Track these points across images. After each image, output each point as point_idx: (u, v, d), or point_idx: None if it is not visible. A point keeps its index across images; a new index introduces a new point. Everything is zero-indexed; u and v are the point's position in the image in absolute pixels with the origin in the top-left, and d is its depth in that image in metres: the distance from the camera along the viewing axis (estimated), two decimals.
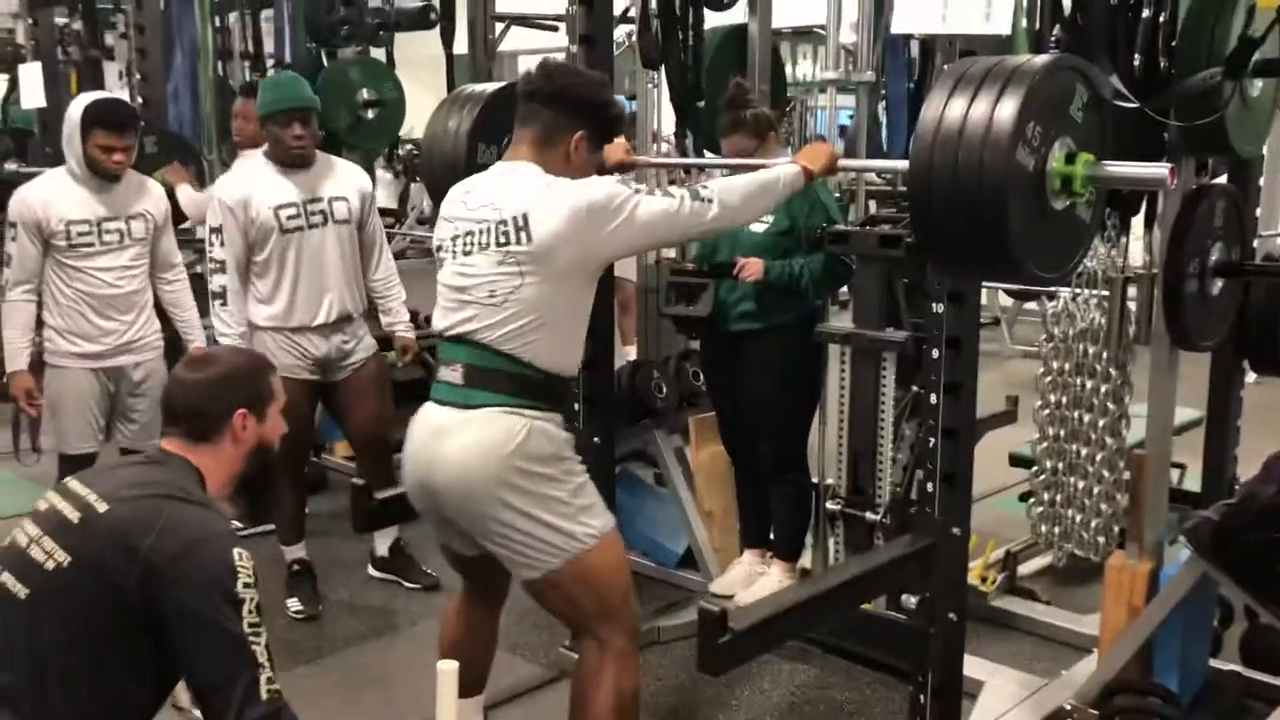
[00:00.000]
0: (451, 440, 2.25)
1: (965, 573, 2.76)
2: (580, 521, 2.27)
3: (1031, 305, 7.72)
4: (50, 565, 1.74)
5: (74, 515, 1.78)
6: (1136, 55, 2.64)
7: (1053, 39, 2.87)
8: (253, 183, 3.57)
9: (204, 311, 3.89)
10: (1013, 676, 3.22)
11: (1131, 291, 3.07)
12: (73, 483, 1.87)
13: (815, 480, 3.55)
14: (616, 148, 2.82)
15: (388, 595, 3.93)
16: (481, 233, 2.29)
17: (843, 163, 2.58)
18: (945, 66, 2.46)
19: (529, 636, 3.55)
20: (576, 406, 3.36)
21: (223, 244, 3.54)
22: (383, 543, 3.99)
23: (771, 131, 3.40)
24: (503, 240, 2.25)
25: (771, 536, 3.65)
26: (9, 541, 1.84)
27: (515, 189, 2.29)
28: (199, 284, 4.07)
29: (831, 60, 3.68)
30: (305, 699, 2.44)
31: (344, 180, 3.69)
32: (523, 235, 2.23)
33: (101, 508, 1.78)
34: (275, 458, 2.07)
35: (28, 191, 3.55)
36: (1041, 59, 2.08)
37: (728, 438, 3.72)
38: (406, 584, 3.95)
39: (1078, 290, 3.10)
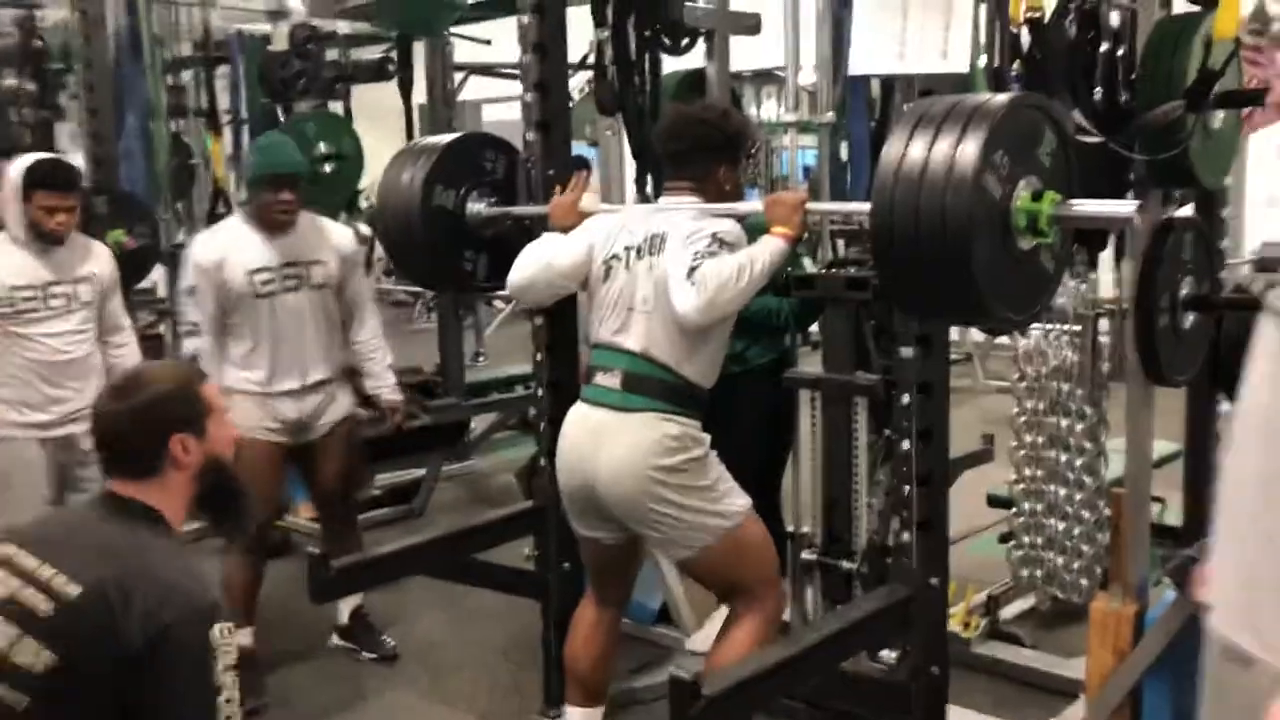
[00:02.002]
0: (614, 439, 2.58)
1: (945, 624, 2.68)
2: (728, 503, 2.61)
3: (1004, 340, 7.69)
4: (40, 669, 1.60)
5: (45, 606, 1.62)
6: (1097, 90, 2.61)
7: (1013, 73, 2.84)
8: (230, 244, 3.51)
9: None
10: None
11: (1103, 325, 3.02)
12: (22, 559, 1.68)
13: (790, 529, 3.46)
14: (568, 206, 2.92)
15: (352, 665, 3.78)
16: (638, 247, 2.65)
17: (810, 206, 2.58)
18: (905, 106, 2.42)
19: (503, 704, 3.45)
20: (542, 461, 3.29)
21: (197, 305, 3.47)
22: (345, 609, 3.85)
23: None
24: (653, 251, 2.61)
25: None
26: None
27: (667, 213, 2.69)
28: (155, 345, 3.97)
29: (792, 102, 3.64)
30: None
31: (324, 243, 3.63)
32: (660, 249, 2.60)
33: (73, 591, 1.62)
34: (230, 467, 1.88)
35: None
36: (1004, 97, 2.05)
37: None
38: (364, 654, 3.79)
39: (1049, 326, 3.06)
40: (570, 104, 3.37)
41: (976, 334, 7.92)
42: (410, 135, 5.77)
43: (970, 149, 1.91)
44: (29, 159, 3.54)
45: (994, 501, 3.93)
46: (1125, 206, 2.09)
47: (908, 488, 2.52)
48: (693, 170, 2.72)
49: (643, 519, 2.58)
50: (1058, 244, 2.16)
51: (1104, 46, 2.61)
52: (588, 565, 2.90)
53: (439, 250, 3.16)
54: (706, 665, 2.66)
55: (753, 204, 2.74)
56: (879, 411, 3.16)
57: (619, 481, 2.56)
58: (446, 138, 3.32)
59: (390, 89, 5.66)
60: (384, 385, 3.83)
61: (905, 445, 2.51)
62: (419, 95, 5.81)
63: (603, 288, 2.71)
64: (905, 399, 2.50)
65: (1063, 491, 3.09)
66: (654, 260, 2.61)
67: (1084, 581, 3.09)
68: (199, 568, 1.82)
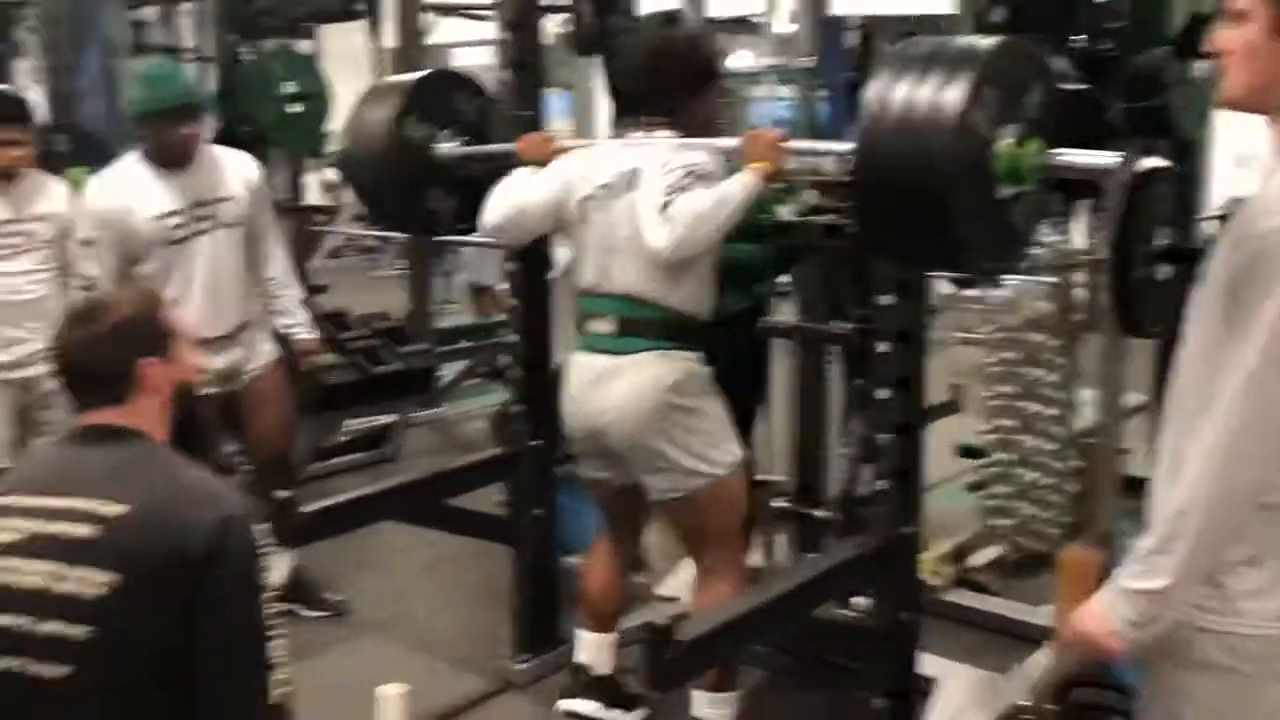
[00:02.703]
0: (616, 382, 2.58)
1: (917, 572, 2.69)
2: (723, 449, 2.63)
3: (971, 292, 7.71)
4: (92, 593, 1.51)
5: (84, 530, 1.55)
6: (1080, 35, 2.59)
7: (996, 19, 2.82)
8: (130, 189, 3.27)
9: None
10: (966, 673, 3.16)
11: (1078, 278, 3.03)
12: (25, 500, 1.61)
13: (762, 477, 3.46)
14: (539, 142, 2.84)
15: (291, 625, 3.65)
16: (612, 185, 2.60)
17: (788, 145, 2.50)
18: (890, 48, 2.38)
19: (473, 650, 3.43)
20: (515, 409, 3.27)
21: (96, 259, 3.25)
22: (282, 567, 3.48)
23: None
24: (629, 187, 2.56)
25: None
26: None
27: (640, 147, 2.64)
28: None
29: (769, 47, 3.60)
30: None
31: (230, 177, 3.40)
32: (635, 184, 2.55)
33: (113, 510, 1.56)
34: (196, 393, 1.84)
35: None
36: (994, 39, 2.01)
37: None
38: (305, 612, 3.58)
39: (1024, 278, 3.06)
40: (542, 46, 3.30)
41: (944, 285, 7.95)
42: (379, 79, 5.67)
43: (957, 88, 1.87)
44: None
45: (966, 452, 3.94)
46: (1109, 158, 2.04)
47: (883, 436, 2.51)
48: (666, 105, 2.65)
49: (643, 455, 2.60)
50: (1036, 197, 2.11)
51: None
52: (600, 507, 2.94)
53: (408, 190, 3.07)
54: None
55: (730, 140, 2.65)
56: (853, 361, 3.15)
57: (624, 420, 2.57)
58: (417, 74, 3.23)
59: (359, 30, 5.55)
60: (297, 324, 3.63)
61: (882, 394, 2.49)
62: (388, 38, 5.71)
63: (581, 231, 2.68)
64: (883, 347, 2.48)
65: (1034, 442, 3.10)
66: (630, 197, 2.57)
67: (1053, 531, 3.11)
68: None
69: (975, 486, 3.49)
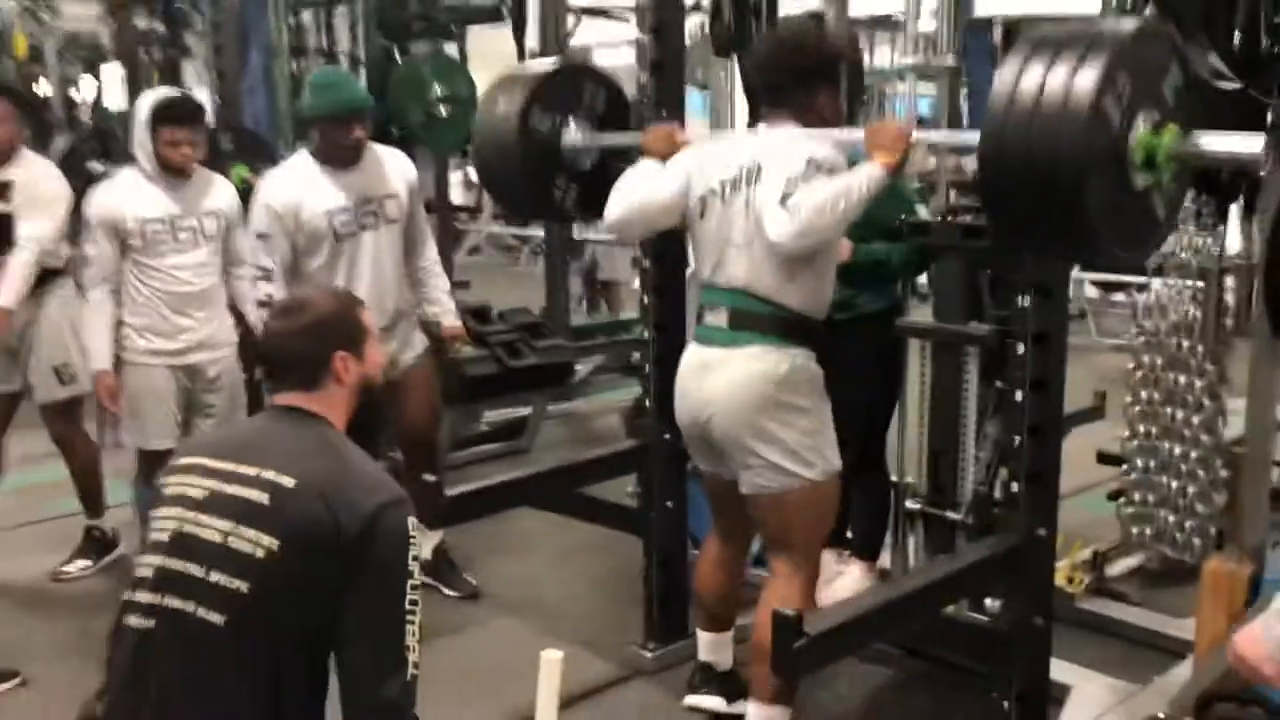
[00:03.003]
0: (722, 373, 2.56)
1: (1051, 576, 2.66)
2: (822, 455, 2.58)
3: (1119, 296, 7.49)
4: (260, 555, 1.68)
5: (261, 497, 1.72)
6: (1236, 32, 2.51)
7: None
8: (304, 185, 3.43)
9: None
10: (1101, 682, 3.09)
11: (1228, 282, 2.93)
12: (215, 463, 1.78)
13: (894, 478, 3.45)
14: (663, 135, 2.83)
15: (430, 602, 3.81)
16: (734, 180, 2.57)
17: (915, 135, 2.46)
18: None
19: (602, 634, 3.50)
20: (647, 402, 3.33)
21: (269, 252, 3.41)
22: (426, 546, 3.79)
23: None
24: (750, 182, 2.53)
25: (849, 535, 3.56)
26: (176, 538, 1.74)
27: (764, 140, 2.62)
28: None
29: (910, 46, 3.57)
30: None
31: (392, 175, 3.57)
32: (757, 178, 2.52)
33: (288, 482, 1.72)
34: (377, 390, 2.00)
35: (102, 192, 3.60)
36: (1129, 22, 1.96)
37: None
38: (446, 590, 3.81)
39: (1170, 281, 2.98)
40: (684, 48, 3.35)
41: (1091, 290, 7.74)
42: None
43: (1089, 73, 1.81)
44: (154, 94, 3.66)
45: (1104, 458, 3.85)
46: (1252, 143, 1.93)
47: (1019, 438, 2.49)
48: (792, 100, 2.62)
49: (741, 448, 2.56)
50: (1173, 187, 2.05)
51: None
52: (710, 500, 2.91)
53: (532, 176, 3.09)
54: (754, 636, 2.67)
55: (854, 131, 2.62)
56: (990, 363, 3.12)
57: (727, 413, 2.55)
58: (547, 64, 3.29)
59: (504, 33, 5.70)
60: (445, 311, 3.77)
61: (1019, 396, 2.47)
62: (532, 39, 5.85)
63: (700, 225, 2.66)
64: (1020, 349, 2.46)
65: (1178, 449, 3.02)
66: (750, 192, 2.53)
67: (1196, 541, 3.03)
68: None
69: (1115, 494, 3.41)
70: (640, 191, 2.74)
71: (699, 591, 2.97)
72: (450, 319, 3.80)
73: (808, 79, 2.62)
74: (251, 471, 1.75)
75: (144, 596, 1.74)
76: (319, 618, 1.70)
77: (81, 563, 4.09)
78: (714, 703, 2.97)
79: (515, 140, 3.00)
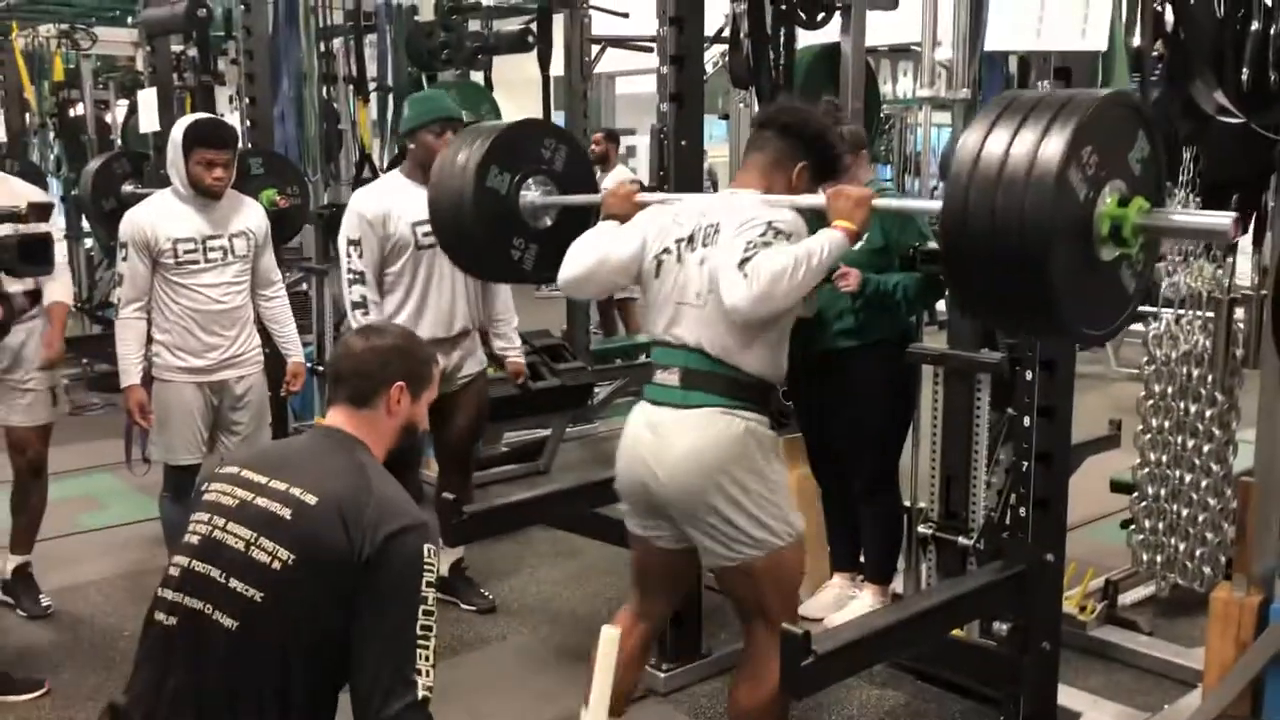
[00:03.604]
0: (674, 435, 2.44)
1: (1059, 600, 2.69)
2: (782, 519, 2.46)
3: (1138, 326, 7.49)
4: (277, 566, 1.75)
5: (284, 512, 1.79)
6: (1244, 69, 2.56)
7: (1154, 53, 2.80)
8: (392, 198, 3.68)
9: (302, 329, 4.02)
10: (1111, 709, 3.12)
11: (1239, 314, 2.97)
12: (251, 474, 1.87)
13: (907, 503, 3.49)
14: (623, 196, 2.77)
15: (450, 617, 3.85)
16: (689, 239, 2.50)
17: (876, 203, 2.41)
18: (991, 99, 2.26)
19: None
20: None
21: (361, 255, 3.65)
22: (445, 562, 3.86)
23: (862, 150, 3.36)
24: (706, 242, 2.46)
25: (862, 559, 3.60)
26: (205, 542, 1.82)
27: (723, 202, 2.55)
28: (301, 301, 4.17)
29: (927, 77, 3.64)
30: None
31: None
32: (713, 239, 2.45)
33: (311, 500, 1.79)
34: (417, 445, 2.08)
35: (136, 212, 3.69)
36: (1097, 92, 1.91)
37: (816, 459, 3.68)
38: (463, 605, 3.89)
39: (1181, 311, 3.02)
40: (704, 77, 3.41)
41: None
42: (547, 105, 5.91)
43: (1056, 143, 1.77)
44: (190, 118, 3.77)
45: (1117, 486, 3.88)
46: (1220, 219, 1.88)
47: (1026, 464, 2.53)
48: (770, 154, 2.55)
49: (695, 516, 2.44)
50: (1141, 259, 2.00)
51: (1254, 24, 2.56)
52: (634, 569, 2.74)
53: (489, 236, 3.01)
54: (731, 706, 2.59)
55: (815, 197, 2.53)
56: (1001, 390, 3.16)
57: (677, 477, 2.42)
58: (504, 122, 3.20)
59: (529, 60, 5.80)
60: (512, 349, 4.02)
61: (1026, 421, 2.51)
62: (556, 67, 5.95)
63: (654, 284, 2.55)
64: (1029, 375, 2.50)
65: (1188, 477, 3.05)
66: (706, 252, 2.45)
67: (1206, 569, 3.05)
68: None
69: (1127, 523, 3.43)
70: (596, 251, 2.65)
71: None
72: (516, 356, 4.06)
73: (796, 147, 2.55)
74: (281, 486, 1.82)
75: (170, 594, 1.83)
76: (327, 636, 1.77)
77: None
78: None
79: (472, 198, 2.92)
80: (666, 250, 2.53)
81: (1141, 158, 1.93)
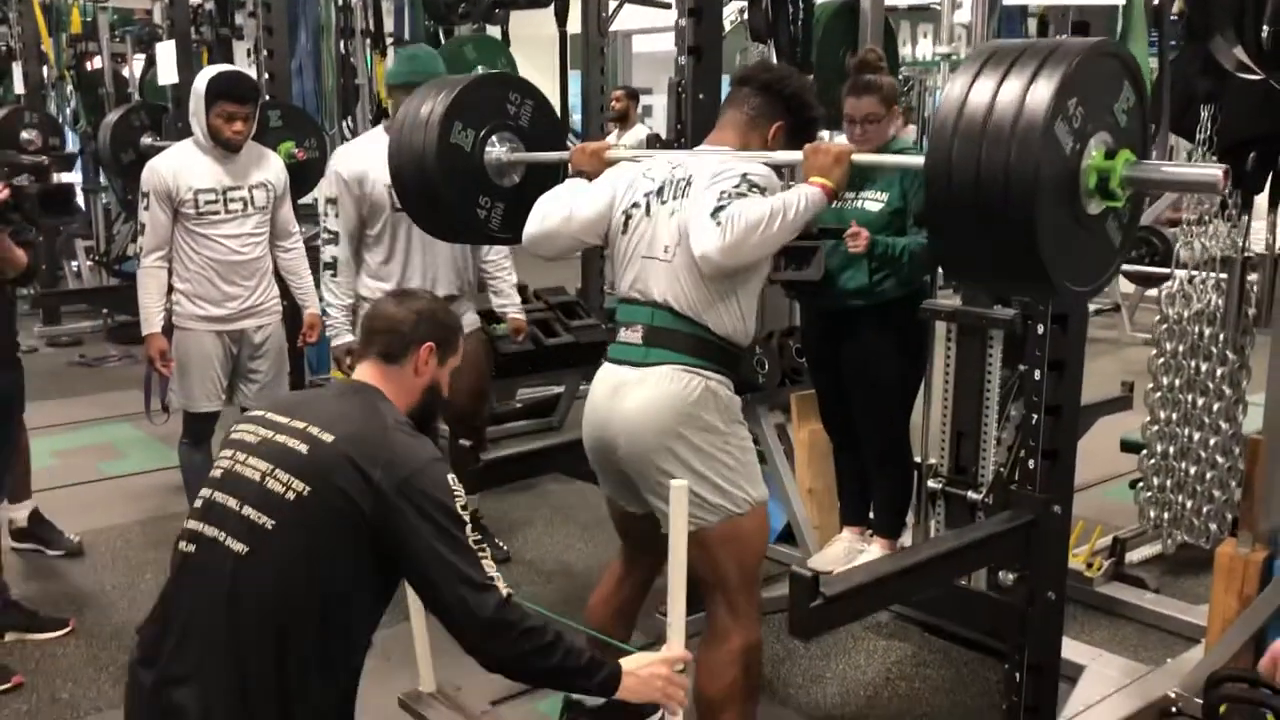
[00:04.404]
0: (630, 395, 2.37)
1: (1066, 551, 2.72)
2: (740, 486, 2.37)
3: (1154, 291, 7.49)
4: (290, 497, 1.80)
5: (301, 447, 1.85)
6: (1265, 26, 2.56)
7: (1174, 13, 2.80)
8: (372, 157, 3.57)
9: (317, 283, 4.05)
10: (1115, 662, 3.17)
11: (1252, 276, 2.98)
12: (273, 415, 1.93)
13: (917, 459, 3.52)
14: (592, 152, 2.71)
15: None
16: (659, 191, 2.44)
17: (855, 158, 2.34)
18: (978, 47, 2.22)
19: None
20: None
21: (337, 215, 3.64)
22: None
23: (896, 105, 3.36)
24: (677, 195, 2.39)
25: (872, 515, 3.64)
26: (226, 474, 1.89)
27: (697, 156, 2.47)
28: (316, 257, 4.18)
29: (946, 36, 3.64)
30: (401, 656, 2.58)
31: None
32: (685, 192, 2.38)
33: (327, 438, 1.85)
34: (441, 401, 2.13)
35: (158, 162, 3.73)
36: (1083, 41, 1.85)
37: (829, 415, 3.70)
38: None
39: (1195, 272, 3.02)
40: (722, 33, 3.41)
41: (1126, 285, 7.73)
42: (564, 62, 5.91)
43: (1042, 94, 1.72)
44: (211, 70, 3.79)
45: (1127, 446, 3.91)
46: (1210, 171, 1.84)
47: (1036, 417, 2.55)
48: (748, 110, 2.50)
49: (647, 477, 2.37)
50: (1127, 212, 1.97)
51: None
52: (616, 528, 2.73)
53: (454, 194, 2.91)
54: (696, 692, 2.42)
55: (791, 153, 2.46)
56: (1013, 346, 3.19)
57: (633, 439, 2.35)
58: (466, 76, 3.06)
59: (546, 16, 5.79)
60: (510, 304, 3.99)
61: (1037, 375, 2.54)
62: (574, 24, 5.93)
63: (622, 239, 2.48)
64: (1040, 330, 2.52)
65: (1197, 435, 3.07)
66: (676, 205, 2.39)
67: (1212, 527, 3.07)
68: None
69: (1136, 481, 3.46)
70: (563, 207, 2.57)
71: (586, 614, 2.73)
72: (515, 312, 4.02)
73: (773, 105, 2.49)
74: (300, 425, 1.88)
75: (192, 524, 1.89)
76: (330, 578, 1.80)
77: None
78: None
79: (435, 155, 2.82)
80: (635, 204, 2.47)
81: (1127, 108, 1.90)
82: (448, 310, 2.15)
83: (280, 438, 1.87)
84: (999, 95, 1.77)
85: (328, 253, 3.65)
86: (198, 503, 1.91)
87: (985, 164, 1.77)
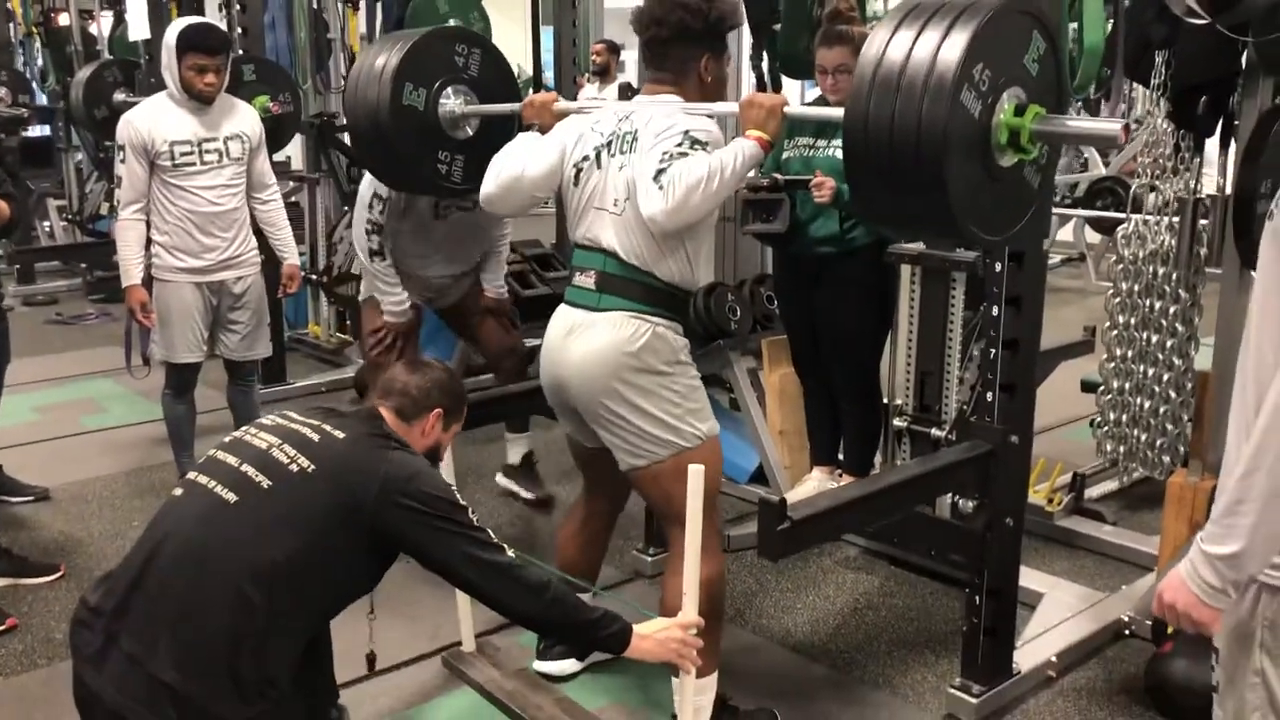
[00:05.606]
0: (580, 338, 2.50)
1: (1024, 480, 2.83)
2: (688, 422, 2.49)
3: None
4: (294, 468, 1.94)
5: (313, 435, 2.01)
6: None
7: None
8: None
9: (296, 239, 4.11)
10: (1073, 590, 3.31)
11: (1203, 215, 3.08)
12: (295, 414, 2.09)
13: (885, 400, 3.63)
14: (542, 104, 2.78)
15: (507, 512, 4.08)
16: (608, 144, 2.52)
17: (788, 110, 2.41)
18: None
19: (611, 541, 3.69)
20: None
21: (382, 211, 3.59)
22: (515, 452, 4.16)
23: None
24: (625, 149, 2.48)
25: (841, 454, 3.74)
26: (234, 441, 2.04)
27: (643, 109, 2.53)
28: (294, 213, 4.24)
29: None
30: (435, 592, 2.67)
31: None
32: (632, 146, 2.46)
33: (339, 435, 2.02)
34: (437, 465, 2.29)
35: (133, 115, 3.76)
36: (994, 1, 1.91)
37: (801, 358, 3.79)
38: (523, 494, 4.11)
39: (1149, 215, 3.12)
40: None
41: (1092, 234, 7.85)
42: (536, 14, 5.93)
43: (951, 54, 1.79)
44: (180, 23, 3.81)
45: (1086, 386, 4.03)
46: (1111, 124, 1.93)
47: (994, 351, 2.65)
48: (673, 63, 2.53)
49: (597, 417, 2.50)
50: (1042, 157, 2.05)
51: None
52: (577, 463, 2.91)
53: (413, 151, 3.01)
54: (663, 605, 2.53)
55: (728, 105, 2.53)
56: (975, 288, 3.29)
57: (583, 378, 2.49)
58: (411, 32, 3.13)
59: None
60: (492, 284, 4.05)
61: (995, 310, 2.63)
62: None
63: (574, 191, 2.58)
64: (998, 266, 2.62)
65: (1151, 371, 3.19)
66: (624, 159, 2.48)
67: (1165, 459, 3.20)
68: None
69: (1096, 420, 3.58)
70: (514, 166, 2.64)
71: (558, 563, 2.91)
72: (497, 291, 4.08)
73: (691, 42, 2.51)
74: (315, 421, 2.06)
75: (190, 475, 2.04)
76: (312, 547, 1.91)
77: None
78: (566, 666, 2.93)
79: (389, 117, 2.90)
80: (585, 158, 2.56)
81: (1037, 57, 1.96)
82: (457, 381, 2.33)
83: (294, 425, 2.04)
84: (913, 52, 1.85)
85: (375, 241, 3.62)
86: (200, 460, 2.04)
87: (899, 119, 1.85)
